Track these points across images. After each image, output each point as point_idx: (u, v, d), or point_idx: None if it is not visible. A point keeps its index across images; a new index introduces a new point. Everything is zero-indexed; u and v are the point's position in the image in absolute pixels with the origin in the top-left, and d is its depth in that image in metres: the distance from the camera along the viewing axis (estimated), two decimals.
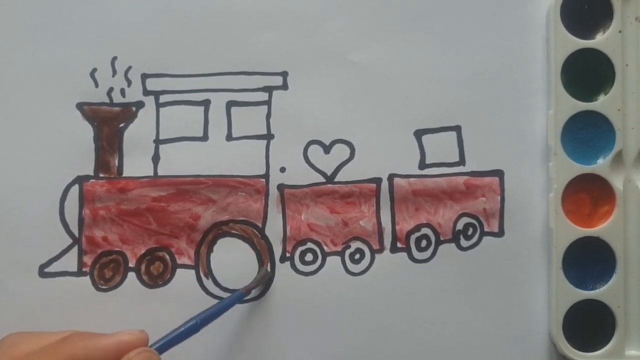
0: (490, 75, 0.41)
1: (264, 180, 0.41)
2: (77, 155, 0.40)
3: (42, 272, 0.40)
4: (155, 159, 0.41)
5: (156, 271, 0.40)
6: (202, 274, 0.40)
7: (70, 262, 0.40)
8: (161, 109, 0.41)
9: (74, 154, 0.40)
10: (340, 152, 0.41)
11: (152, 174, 0.40)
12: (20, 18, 0.40)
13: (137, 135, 0.41)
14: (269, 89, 0.41)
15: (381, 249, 0.41)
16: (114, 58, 0.40)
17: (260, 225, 0.41)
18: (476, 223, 0.41)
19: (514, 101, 0.41)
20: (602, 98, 0.40)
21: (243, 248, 0.41)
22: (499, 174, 0.41)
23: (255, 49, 0.41)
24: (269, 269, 0.40)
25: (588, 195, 0.40)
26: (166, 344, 0.33)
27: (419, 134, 0.41)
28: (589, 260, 0.40)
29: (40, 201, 0.40)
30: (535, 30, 0.41)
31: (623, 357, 0.40)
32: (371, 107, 0.41)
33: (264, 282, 0.40)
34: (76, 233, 0.40)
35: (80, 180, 0.40)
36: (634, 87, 0.40)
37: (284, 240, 0.41)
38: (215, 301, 0.40)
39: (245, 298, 0.40)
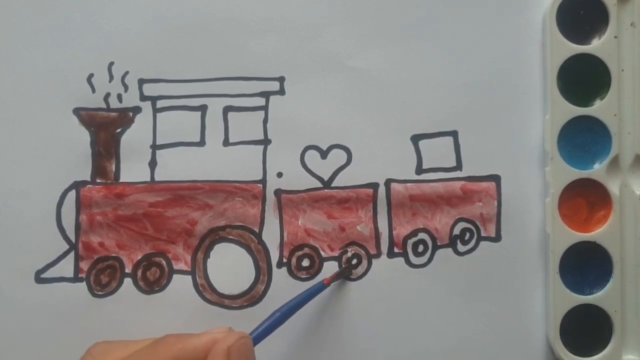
0: (486, 80, 0.41)
1: (261, 185, 0.41)
2: (74, 161, 0.40)
3: (39, 278, 0.40)
4: (152, 164, 0.41)
5: (153, 277, 0.40)
6: (198, 280, 0.40)
7: (66, 267, 0.40)
8: (158, 114, 0.41)
9: (70, 160, 0.40)
10: (337, 158, 0.41)
11: (149, 179, 0.40)
12: (17, 24, 0.40)
13: (134, 141, 0.41)
14: (266, 94, 0.41)
15: (378, 254, 0.41)
16: (111, 63, 0.40)
17: (257, 231, 0.41)
18: (473, 228, 0.41)
19: (511, 106, 0.41)
20: (598, 103, 0.40)
21: (240, 253, 0.41)
22: (495, 179, 0.41)
23: (252, 54, 0.41)
24: (353, 261, 0.41)
25: (585, 200, 0.40)
26: (257, 337, 0.34)
27: (415, 139, 0.41)
28: (585, 265, 0.40)
29: (37, 206, 0.40)
30: (532, 36, 0.41)
31: None
32: (368, 112, 0.41)
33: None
34: (73, 238, 0.40)
35: (77, 185, 0.40)
36: (629, 92, 0.40)
37: (281, 245, 0.41)
38: (212, 307, 0.40)
39: (242, 304, 0.40)
